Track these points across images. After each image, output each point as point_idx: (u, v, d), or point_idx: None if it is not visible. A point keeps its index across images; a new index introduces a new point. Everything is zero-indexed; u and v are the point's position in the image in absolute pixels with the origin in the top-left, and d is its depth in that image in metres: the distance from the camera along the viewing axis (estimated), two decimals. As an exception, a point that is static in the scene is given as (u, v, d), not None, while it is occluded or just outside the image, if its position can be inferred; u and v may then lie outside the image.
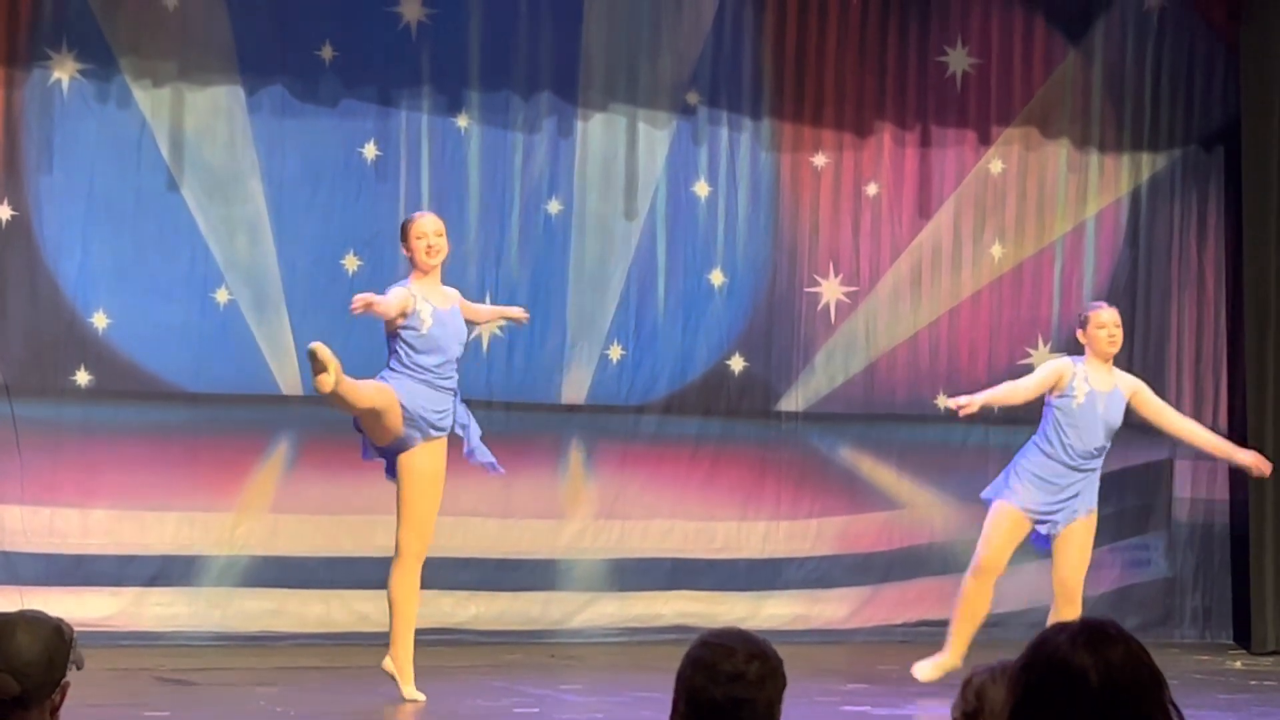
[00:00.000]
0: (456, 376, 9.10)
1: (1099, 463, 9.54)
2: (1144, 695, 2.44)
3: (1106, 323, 9.58)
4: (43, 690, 3.35)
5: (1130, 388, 9.63)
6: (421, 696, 8.87)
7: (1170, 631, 12.46)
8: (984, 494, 9.64)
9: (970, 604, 9.28)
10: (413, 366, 8.99)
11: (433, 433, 8.98)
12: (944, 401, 9.67)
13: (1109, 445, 9.56)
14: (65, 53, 10.81)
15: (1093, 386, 9.47)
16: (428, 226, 9.14)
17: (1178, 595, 12.66)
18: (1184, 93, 12.67)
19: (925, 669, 9.48)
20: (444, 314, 9.07)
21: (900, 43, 12.21)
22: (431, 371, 8.99)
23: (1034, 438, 9.60)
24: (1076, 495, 9.43)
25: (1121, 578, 12.55)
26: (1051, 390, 9.55)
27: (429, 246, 9.07)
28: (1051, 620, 9.31)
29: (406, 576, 9.00)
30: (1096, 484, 9.54)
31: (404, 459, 8.95)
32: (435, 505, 9.07)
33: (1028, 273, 12.49)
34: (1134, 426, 12.45)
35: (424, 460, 8.95)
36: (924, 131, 12.28)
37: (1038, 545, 9.56)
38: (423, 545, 9.00)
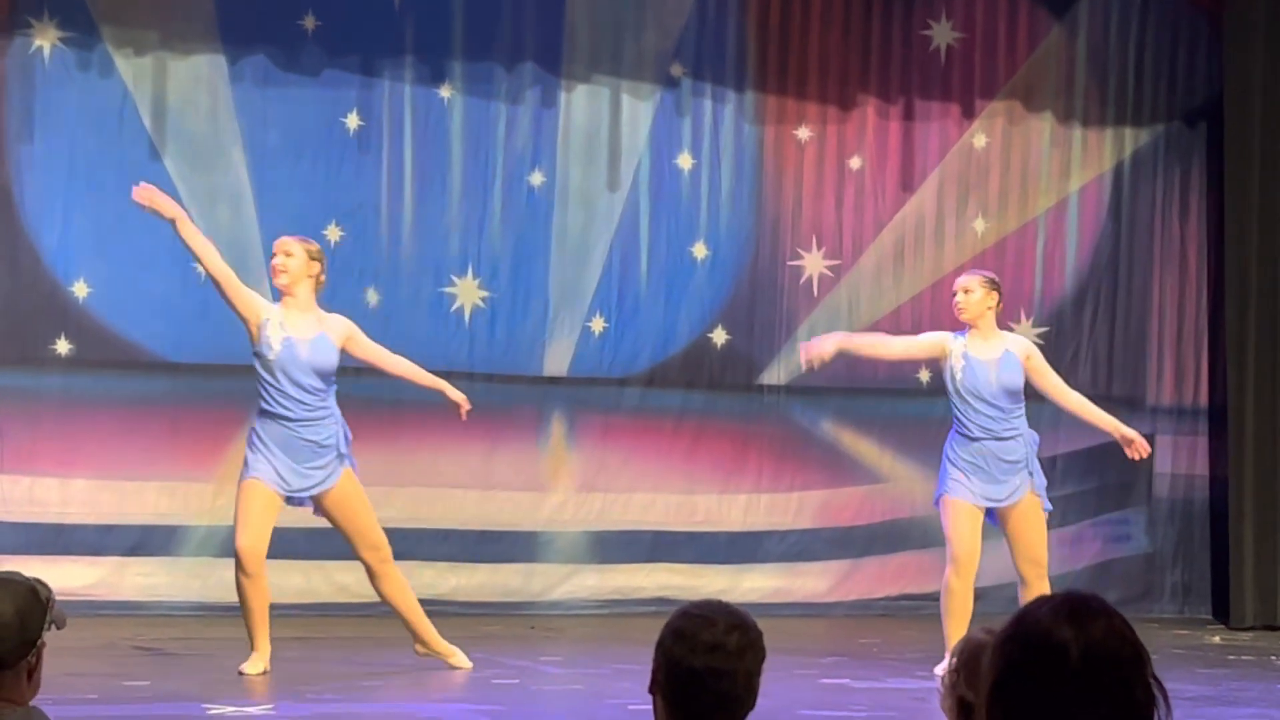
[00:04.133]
0: (326, 408, 8.66)
1: (1015, 427, 9.25)
2: (1126, 670, 2.44)
3: (957, 289, 9.38)
4: (16, 652, 3.31)
5: (1023, 351, 9.36)
6: (469, 663, 8.92)
7: (1150, 606, 12.49)
8: (935, 497, 9.49)
9: (957, 603, 9.20)
10: (267, 397, 8.60)
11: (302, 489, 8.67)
12: (803, 356, 9.50)
13: (1018, 408, 9.27)
14: (47, 21, 10.77)
15: (974, 355, 9.23)
16: (277, 246, 8.78)
17: (1157, 570, 12.69)
18: (1167, 68, 12.67)
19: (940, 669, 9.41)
20: (296, 342, 8.59)
21: (884, 16, 12.19)
22: (281, 402, 8.57)
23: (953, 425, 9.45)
24: (1012, 467, 9.22)
25: (1102, 552, 12.58)
26: (940, 361, 9.38)
27: (273, 266, 8.73)
28: (1023, 591, 9.30)
29: (394, 580, 8.96)
30: (1028, 451, 9.28)
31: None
32: (373, 514, 8.93)
33: (1010, 247, 12.49)
34: (1115, 400, 12.50)
35: (344, 486, 8.77)
36: (907, 105, 12.27)
37: (990, 522, 9.50)
38: (387, 549, 8.91)
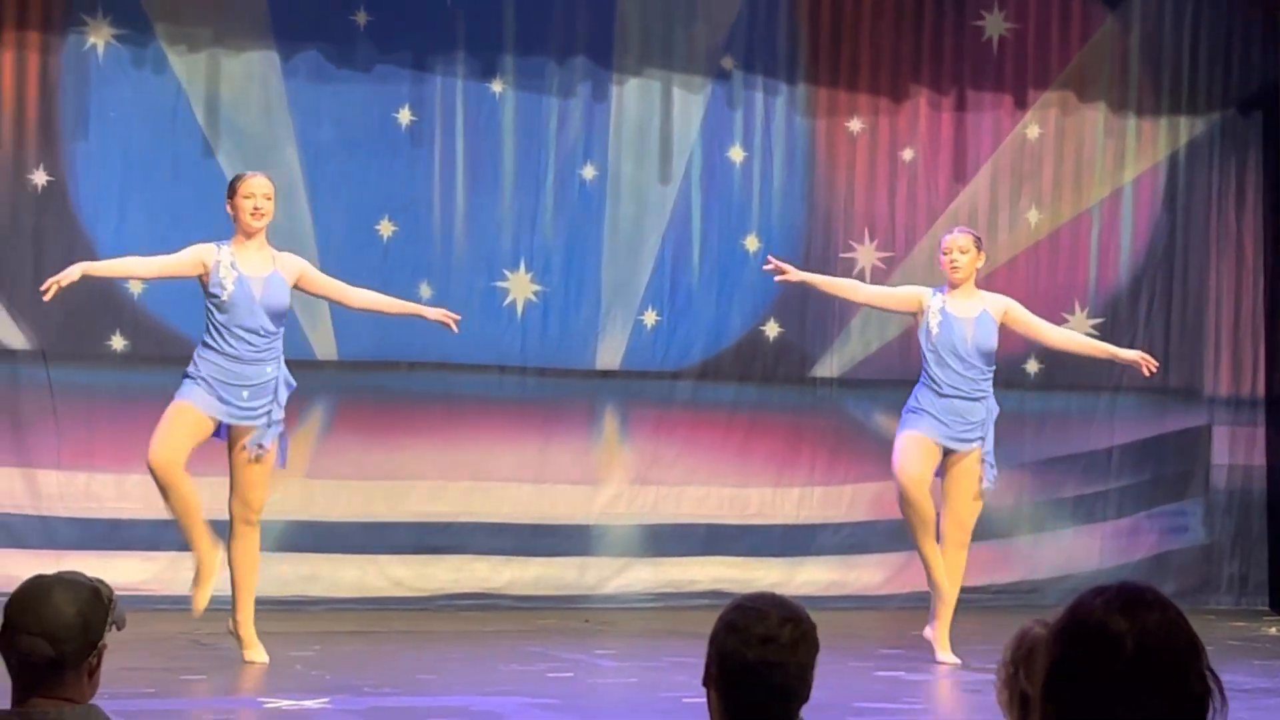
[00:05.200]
0: (272, 351, 8.62)
1: (981, 389, 9.31)
2: (1181, 661, 2.42)
3: (950, 248, 9.36)
4: (79, 653, 3.33)
5: (1000, 308, 9.40)
6: (265, 658, 8.72)
7: (1206, 598, 12.43)
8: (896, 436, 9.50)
9: (914, 516, 9.24)
10: (215, 333, 8.57)
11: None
12: (771, 262, 9.56)
13: (990, 370, 9.34)
14: (101, 18, 10.82)
15: (951, 313, 9.30)
16: (257, 187, 8.69)
17: (1215, 562, 12.63)
18: (1222, 57, 12.60)
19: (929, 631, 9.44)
20: (251, 280, 8.56)
21: (936, 7, 12.16)
22: (230, 343, 8.54)
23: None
24: (972, 427, 9.26)
25: (1159, 544, 12.53)
26: (915, 316, 9.40)
27: (255, 208, 8.64)
28: (932, 558, 9.29)
29: (248, 545, 8.83)
30: (987, 416, 9.30)
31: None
32: (267, 485, 8.87)
33: (1064, 238, 12.44)
34: (1172, 391, 12.45)
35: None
36: (960, 96, 12.23)
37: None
38: (258, 516, 8.85)
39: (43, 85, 10.73)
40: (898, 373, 12.07)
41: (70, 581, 3.38)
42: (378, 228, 11.22)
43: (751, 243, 11.88)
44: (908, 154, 12.14)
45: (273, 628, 10.05)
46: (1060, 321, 12.23)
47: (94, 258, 10.82)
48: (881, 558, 12.04)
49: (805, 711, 3.24)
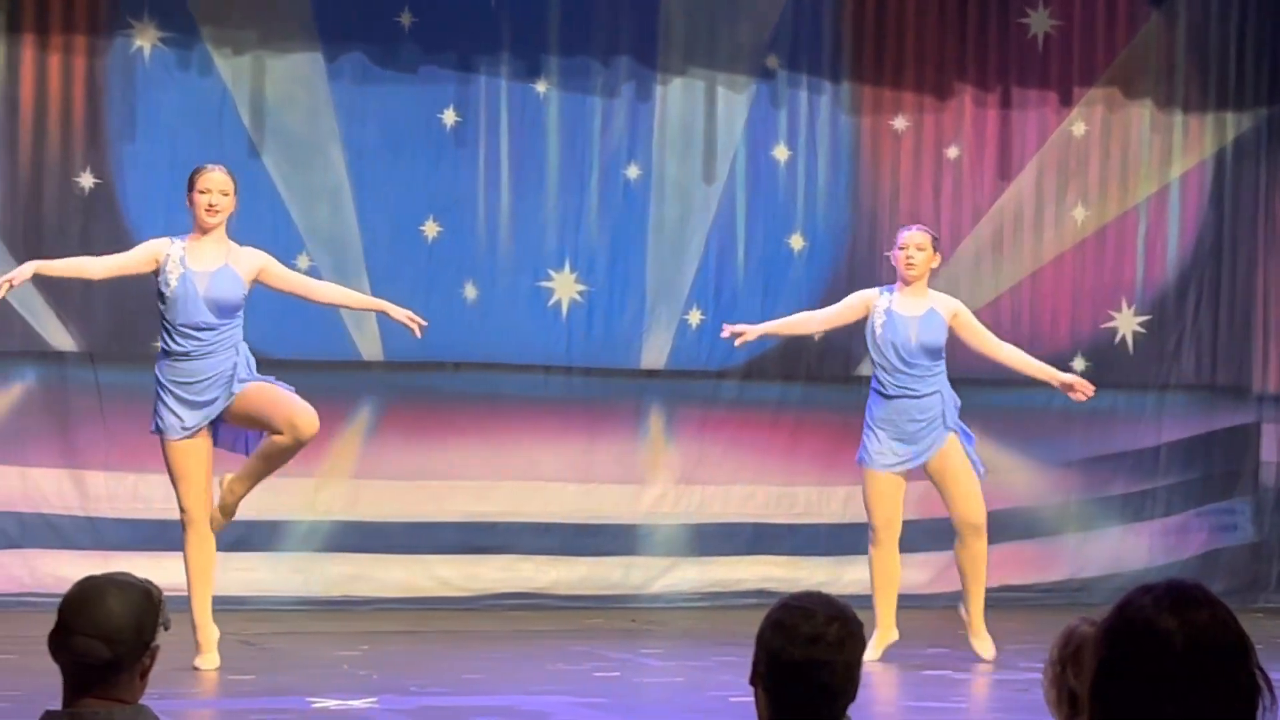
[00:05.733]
0: (223, 342, 8.36)
1: (930, 384, 9.11)
2: (1230, 660, 2.41)
3: (907, 244, 9.16)
4: (133, 654, 3.34)
5: (950, 309, 9.21)
6: (216, 664, 8.41)
7: (1256, 596, 12.38)
8: (857, 459, 9.35)
9: (882, 574, 9.21)
10: (165, 331, 8.41)
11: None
12: (726, 330, 9.46)
13: (936, 366, 9.12)
14: (147, 21, 10.86)
15: (896, 311, 9.10)
16: (213, 183, 8.48)
17: (1264, 560, 12.58)
18: (1269, 51, 12.53)
19: (869, 650, 9.10)
20: (196, 275, 8.35)
21: (981, 4, 12.12)
22: (178, 340, 8.34)
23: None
24: (926, 425, 9.10)
25: (1208, 542, 12.48)
26: (864, 320, 9.23)
27: (210, 205, 8.43)
28: (961, 552, 9.26)
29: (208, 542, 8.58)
30: (944, 408, 9.13)
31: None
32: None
33: (1111, 236, 12.40)
34: (1220, 389, 12.40)
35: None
36: (1005, 93, 12.20)
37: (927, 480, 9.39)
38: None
39: (89, 88, 10.78)
40: (944, 371, 12.06)
41: (123, 583, 3.39)
42: (422, 228, 11.24)
43: (796, 241, 11.86)
44: (953, 151, 12.11)
45: (320, 627, 10.09)
46: (1107, 320, 12.22)
47: (141, 260, 10.88)
48: (927, 556, 12.00)
49: (852, 710, 3.24)
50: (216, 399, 8.39)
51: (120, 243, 10.78)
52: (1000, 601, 11.89)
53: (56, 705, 3.37)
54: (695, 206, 11.72)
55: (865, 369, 11.98)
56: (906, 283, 9.18)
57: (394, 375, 11.19)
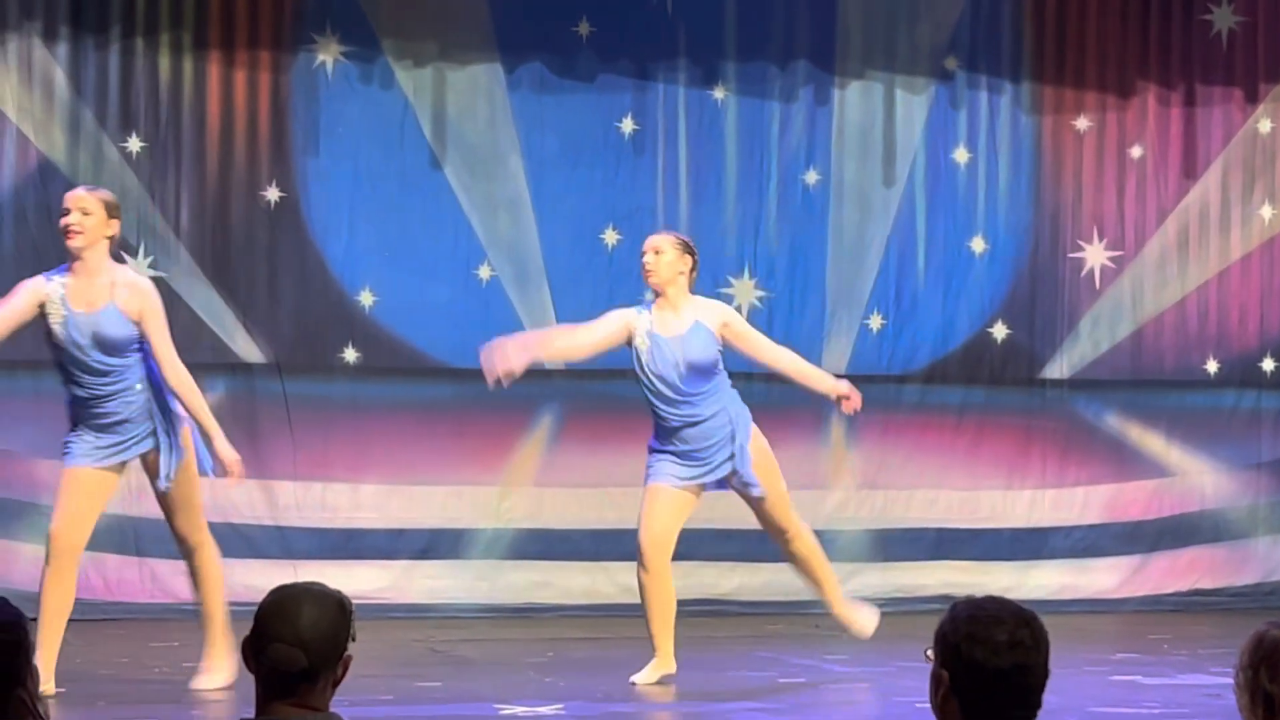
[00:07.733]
0: (124, 380, 7.54)
1: (710, 407, 8.31)
2: None
3: (645, 249, 8.41)
4: (328, 663, 3.39)
5: (718, 319, 8.37)
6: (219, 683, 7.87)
7: None
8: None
9: (649, 600, 8.37)
10: (63, 377, 7.62)
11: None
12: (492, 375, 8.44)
13: (710, 385, 8.34)
14: (329, 35, 11.01)
15: (658, 334, 8.30)
16: (67, 201, 7.52)
17: None
18: None
19: (642, 675, 8.41)
20: (77, 318, 7.47)
21: (1163, 2, 11.96)
22: (74, 383, 7.51)
23: None
24: (716, 447, 8.31)
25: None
26: (630, 345, 8.38)
27: (65, 226, 7.48)
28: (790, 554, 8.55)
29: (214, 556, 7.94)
30: (734, 426, 8.34)
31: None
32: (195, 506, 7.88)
33: (1299, 235, 12.19)
34: None
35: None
36: (1189, 91, 12.02)
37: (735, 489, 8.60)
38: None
39: (274, 103, 10.95)
40: (1128, 373, 11.92)
41: (319, 593, 3.44)
42: (602, 236, 11.29)
43: (977, 244, 11.78)
44: (1136, 151, 11.96)
45: (505, 635, 10.17)
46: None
47: (325, 273, 11.05)
48: (1115, 561, 11.87)
49: (1041, 716, 3.24)
50: (139, 440, 7.60)
51: (305, 255, 10.97)
52: (1190, 606, 11.75)
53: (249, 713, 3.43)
54: (875, 210, 11.67)
55: (1050, 372, 11.92)
56: (656, 293, 8.40)
57: (575, 383, 11.24)
